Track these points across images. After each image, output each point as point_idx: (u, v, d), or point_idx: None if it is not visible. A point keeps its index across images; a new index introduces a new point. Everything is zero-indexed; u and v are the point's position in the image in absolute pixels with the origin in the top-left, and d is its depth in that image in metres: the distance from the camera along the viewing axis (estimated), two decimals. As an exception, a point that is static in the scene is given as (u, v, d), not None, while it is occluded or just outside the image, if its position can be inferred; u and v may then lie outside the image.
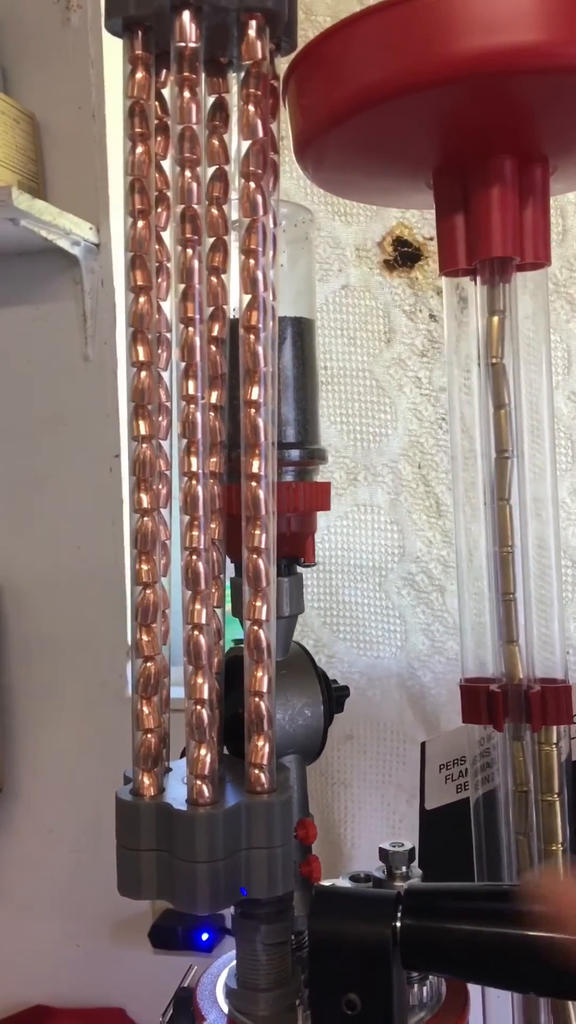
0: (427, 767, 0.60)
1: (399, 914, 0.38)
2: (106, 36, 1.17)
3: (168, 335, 0.47)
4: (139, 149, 0.44)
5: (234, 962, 0.52)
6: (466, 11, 0.39)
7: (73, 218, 1.12)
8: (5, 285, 1.19)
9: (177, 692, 0.48)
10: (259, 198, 0.43)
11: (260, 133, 0.43)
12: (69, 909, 1.24)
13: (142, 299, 0.44)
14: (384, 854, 0.49)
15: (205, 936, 1.18)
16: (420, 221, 1.09)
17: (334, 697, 0.54)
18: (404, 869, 0.48)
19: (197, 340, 0.43)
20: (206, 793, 0.44)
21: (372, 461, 1.10)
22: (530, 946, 0.36)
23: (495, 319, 0.47)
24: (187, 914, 1.18)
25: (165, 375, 0.47)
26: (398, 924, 0.37)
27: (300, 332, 0.53)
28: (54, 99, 1.17)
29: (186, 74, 0.42)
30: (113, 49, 1.19)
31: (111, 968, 1.24)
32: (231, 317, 0.49)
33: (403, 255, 1.11)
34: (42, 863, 1.25)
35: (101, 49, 1.18)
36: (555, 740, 0.47)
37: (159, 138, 0.46)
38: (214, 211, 0.47)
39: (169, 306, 0.46)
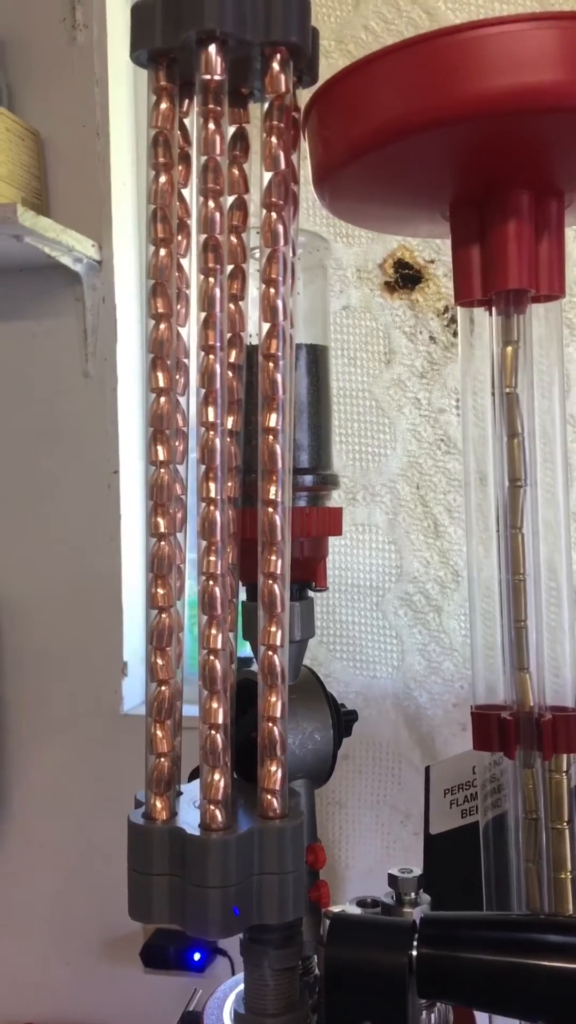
0: (432, 792, 0.60)
1: (415, 943, 0.38)
2: (111, 55, 1.19)
3: (186, 360, 0.47)
4: (162, 178, 0.45)
5: (241, 986, 0.52)
6: (486, 50, 0.40)
7: (76, 235, 1.13)
8: (7, 301, 1.20)
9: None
10: (280, 228, 0.44)
11: (283, 165, 0.44)
12: (59, 927, 1.23)
13: (163, 326, 0.45)
14: (393, 880, 0.49)
15: (197, 956, 1.17)
16: (421, 244, 1.10)
17: (343, 721, 0.55)
18: (413, 895, 0.49)
19: (217, 367, 0.43)
20: (219, 818, 0.44)
21: (371, 481, 1.11)
22: (549, 977, 0.36)
23: (509, 349, 0.48)
24: (180, 934, 1.18)
25: (182, 400, 0.47)
26: (414, 953, 0.37)
27: (315, 359, 0.53)
28: (59, 117, 1.18)
29: (211, 106, 0.43)
30: (118, 68, 1.20)
31: (101, 987, 1.23)
32: (248, 343, 0.49)
33: (404, 277, 1.12)
34: (33, 880, 1.24)
35: (106, 68, 1.19)
36: (565, 768, 0.48)
37: (180, 167, 0.47)
38: (233, 239, 0.47)
39: (187, 332, 0.47)
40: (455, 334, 1.13)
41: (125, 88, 1.23)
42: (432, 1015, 0.48)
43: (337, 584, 1.14)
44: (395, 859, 1.16)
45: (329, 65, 1.10)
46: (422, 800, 1.14)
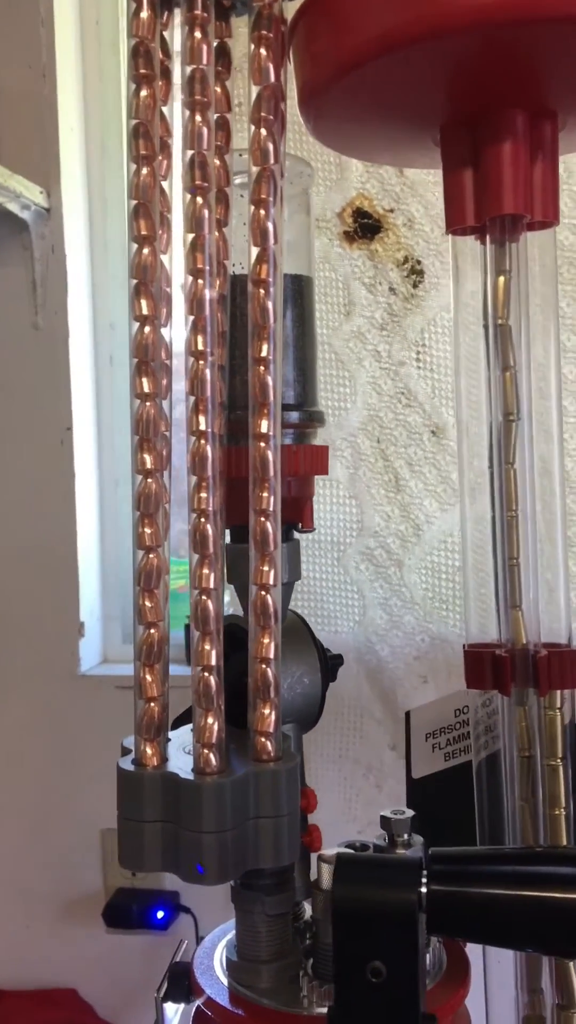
0: (413, 736, 0.59)
1: (424, 879, 0.37)
2: (57, -6, 1.14)
3: (168, 290, 0.45)
4: (144, 92, 0.42)
5: (229, 935, 0.51)
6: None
7: (23, 181, 1.09)
8: (-50, 250, 1.15)
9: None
10: (270, 146, 0.42)
11: (272, 78, 0.42)
12: (18, 889, 1.22)
13: (146, 250, 0.42)
14: (386, 822, 0.48)
15: (160, 914, 1.17)
16: (380, 192, 1.09)
17: (329, 665, 0.54)
18: (406, 836, 0.48)
19: (207, 293, 0.41)
20: (213, 762, 0.43)
21: (331, 435, 1.10)
22: (561, 908, 0.35)
23: (501, 279, 0.46)
24: (141, 893, 1.17)
25: (165, 332, 0.45)
26: (423, 889, 0.37)
27: (300, 290, 0.51)
28: (3, 59, 1.13)
29: (197, 12, 0.40)
30: (64, 8, 1.16)
31: (63, 948, 1.22)
32: (232, 273, 0.47)
33: (363, 227, 1.10)
34: (-10, 843, 1.22)
35: (52, 8, 1.14)
36: (559, 704, 0.47)
37: (161, 82, 0.44)
38: (216, 161, 0.45)
39: (168, 260, 0.44)
40: (415, 285, 1.11)
41: (71, 28, 1.19)
42: (427, 956, 0.47)
43: (311, 532, 1.13)
44: (357, 812, 1.17)
45: None
46: (384, 754, 1.14)
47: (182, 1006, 0.50)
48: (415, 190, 1.07)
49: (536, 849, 0.45)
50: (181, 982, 0.49)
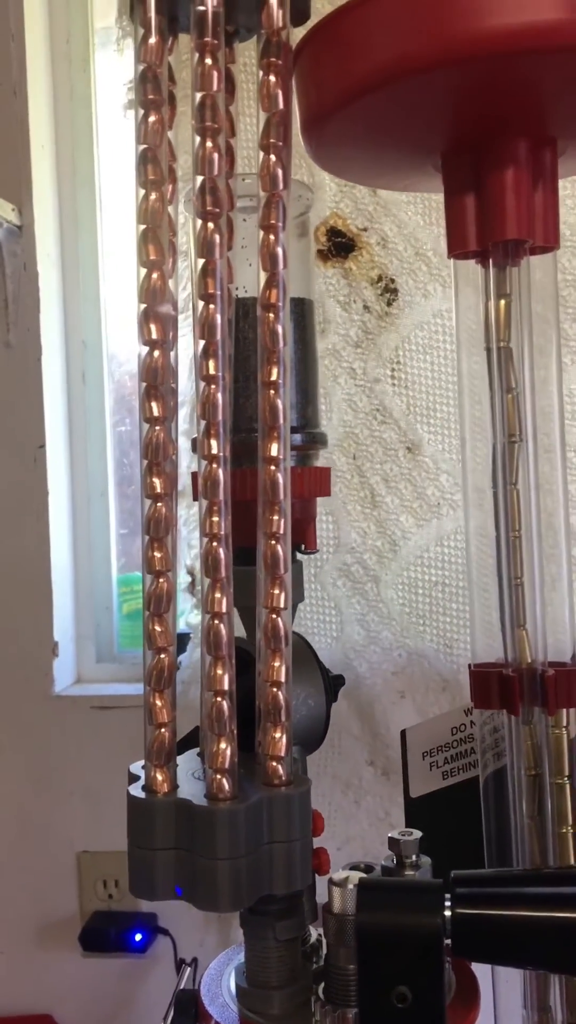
0: (409, 755, 0.59)
1: (448, 903, 0.37)
2: (27, 10, 1.14)
3: (174, 313, 0.45)
4: (152, 117, 0.42)
5: (239, 961, 0.51)
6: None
7: (-5, 198, 1.08)
8: None
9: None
10: (279, 172, 0.42)
11: (281, 104, 0.42)
12: (-10, 915, 1.20)
13: (155, 275, 0.42)
14: (395, 843, 0.48)
15: (138, 937, 1.16)
16: (354, 212, 1.09)
17: (332, 686, 0.54)
18: (414, 858, 0.48)
19: (218, 318, 0.41)
20: (226, 787, 0.43)
21: (308, 452, 1.10)
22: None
23: (503, 302, 0.47)
24: (119, 916, 1.16)
25: (172, 355, 0.45)
26: (448, 913, 0.37)
27: (302, 313, 0.52)
28: (-28, 74, 1.12)
29: (207, 39, 0.40)
30: (34, 23, 1.15)
31: (39, 974, 1.20)
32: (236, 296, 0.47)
33: (337, 245, 1.10)
34: (-37, 868, 1.20)
35: (22, 24, 1.14)
36: (565, 723, 0.48)
37: (167, 106, 0.44)
38: (219, 185, 0.45)
39: (174, 284, 0.44)
40: (389, 303, 1.12)
41: (42, 47, 1.18)
42: (437, 977, 0.47)
43: (315, 553, 1.13)
44: (336, 829, 1.16)
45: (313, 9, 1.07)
46: (362, 770, 1.14)
47: (188, 1034, 0.50)
48: (388, 209, 1.08)
49: (559, 869, 0.45)
50: (188, 1010, 0.48)
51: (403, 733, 0.62)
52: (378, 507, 1.11)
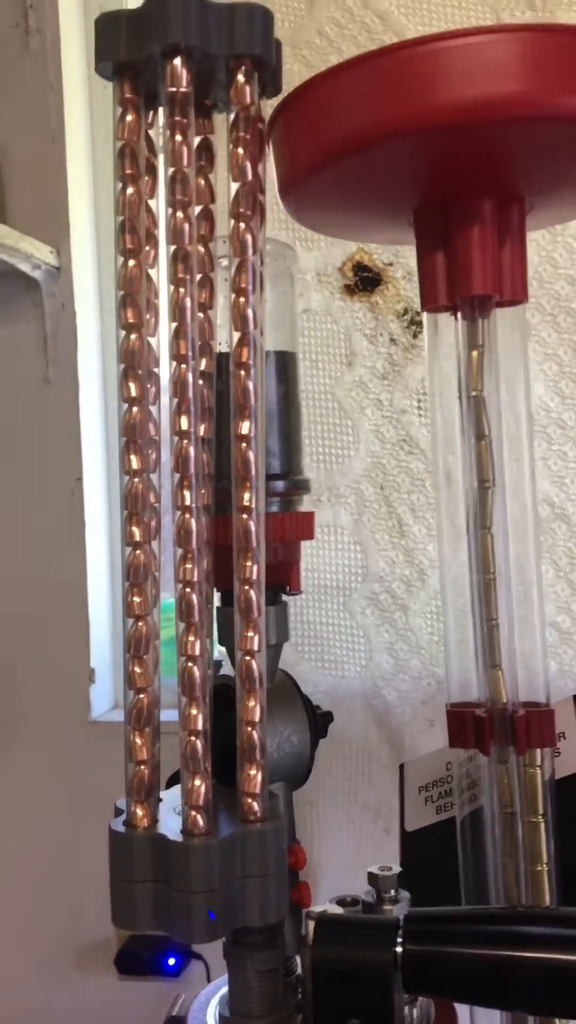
0: (406, 789, 0.61)
1: (400, 939, 0.38)
2: (66, 61, 1.19)
3: (156, 370, 0.47)
4: (130, 190, 0.45)
5: (223, 990, 0.52)
6: (448, 63, 0.41)
7: (34, 242, 1.12)
8: (-35, 309, 1.19)
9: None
10: (248, 238, 0.44)
11: (250, 176, 0.44)
12: (30, 938, 1.23)
13: (133, 336, 0.45)
14: (373, 878, 0.50)
15: (172, 961, 1.17)
16: (379, 247, 1.12)
17: (319, 723, 0.55)
18: (393, 892, 0.49)
19: (189, 377, 0.44)
20: (201, 823, 0.45)
21: (335, 482, 1.12)
22: (533, 968, 0.37)
23: (475, 353, 0.49)
24: (154, 939, 1.18)
25: (153, 409, 0.47)
26: (399, 949, 0.38)
27: (284, 366, 0.54)
28: (14, 123, 1.17)
29: (178, 118, 0.43)
30: (73, 74, 1.20)
31: (75, 996, 1.23)
32: (217, 351, 0.50)
33: (363, 280, 1.13)
34: (2, 892, 1.23)
35: (60, 74, 1.18)
36: (539, 762, 0.49)
37: (146, 178, 0.47)
38: (201, 249, 0.48)
39: (156, 342, 0.47)
40: (415, 336, 1.14)
41: (80, 94, 1.23)
42: (414, 1010, 0.49)
43: (304, 585, 1.15)
44: (367, 856, 1.17)
45: (284, 70, 1.11)
46: (392, 797, 1.15)
47: (178, 1060, 0.52)
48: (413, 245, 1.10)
49: (512, 909, 0.46)
50: (176, 1036, 0.50)
51: (401, 767, 0.63)
52: (406, 536, 1.12)
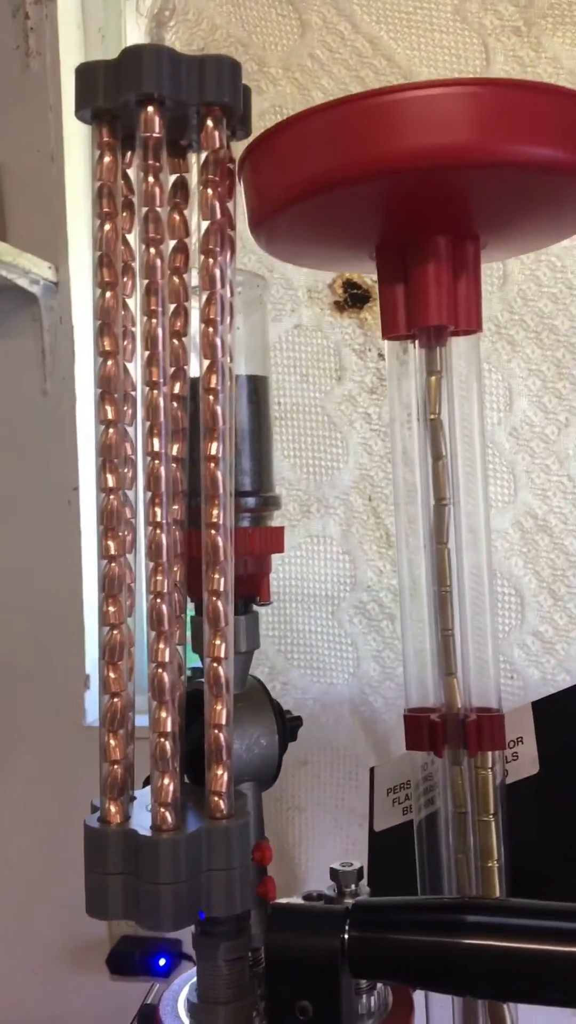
0: (376, 791, 0.64)
1: (347, 927, 0.41)
2: (64, 82, 1.22)
3: (133, 393, 0.50)
4: (107, 227, 0.48)
5: (195, 978, 0.55)
6: (404, 112, 0.44)
7: (32, 258, 1.15)
8: (-36, 323, 1.22)
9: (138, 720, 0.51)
10: (217, 272, 0.47)
11: (218, 215, 0.47)
12: (26, 938, 1.25)
13: (109, 363, 0.48)
14: (334, 873, 0.53)
15: (162, 961, 1.19)
16: (368, 265, 1.14)
17: (288, 727, 0.58)
18: (353, 887, 0.52)
19: (161, 401, 0.47)
20: (169, 820, 0.48)
21: (324, 493, 1.15)
22: (469, 954, 0.40)
23: (432, 379, 0.52)
24: (145, 940, 1.20)
25: (130, 430, 0.50)
26: (346, 936, 0.41)
27: (255, 389, 0.57)
28: (14, 143, 1.20)
29: (151, 162, 0.46)
30: (71, 94, 1.23)
31: (69, 995, 1.25)
32: (191, 376, 0.53)
33: (353, 296, 1.16)
34: (-2, 893, 1.26)
35: (60, 94, 1.21)
36: (490, 764, 0.52)
37: (124, 214, 0.50)
38: (176, 280, 0.51)
39: (134, 367, 0.50)
40: (403, 351, 1.16)
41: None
42: (372, 999, 0.51)
43: (293, 594, 1.18)
44: (352, 859, 1.19)
45: (277, 92, 1.14)
46: (379, 802, 1.17)
47: (151, 1045, 0.54)
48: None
49: (456, 899, 0.49)
50: (148, 1022, 0.53)
51: (371, 771, 0.66)
52: (393, 547, 1.15)
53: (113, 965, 1.19)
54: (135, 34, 1.25)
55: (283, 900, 0.51)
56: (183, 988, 0.56)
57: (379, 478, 1.16)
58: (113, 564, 0.49)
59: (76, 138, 1.25)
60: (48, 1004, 1.26)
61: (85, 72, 0.48)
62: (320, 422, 1.16)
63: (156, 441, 0.47)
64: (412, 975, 0.42)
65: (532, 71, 1.09)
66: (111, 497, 0.48)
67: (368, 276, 1.15)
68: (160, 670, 0.48)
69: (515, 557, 1.09)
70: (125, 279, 0.50)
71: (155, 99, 0.46)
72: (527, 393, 1.08)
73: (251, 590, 0.57)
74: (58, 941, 1.24)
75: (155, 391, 0.47)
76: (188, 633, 0.55)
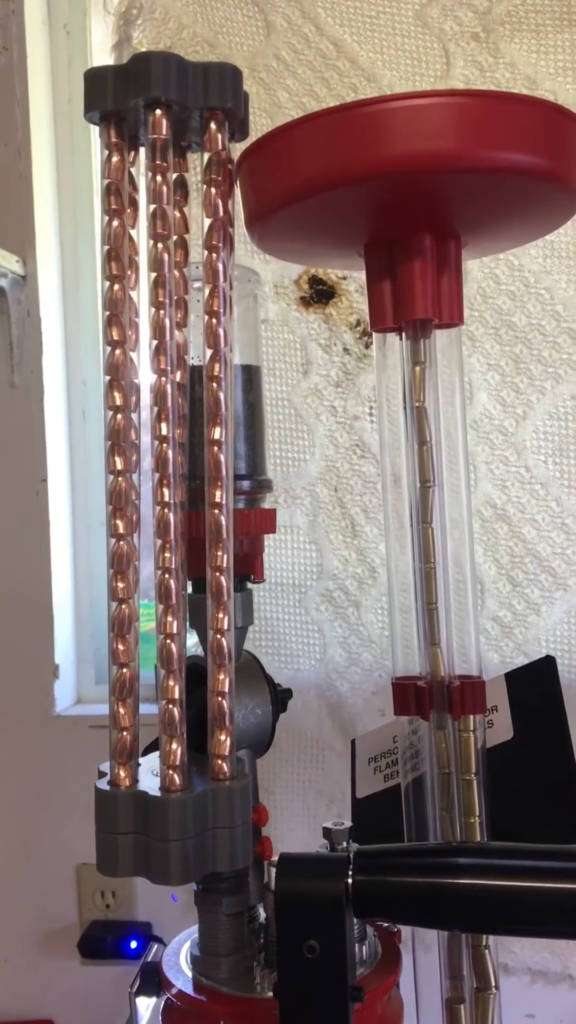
0: (357, 761, 0.67)
1: (351, 871, 0.45)
2: (31, 77, 1.23)
3: (137, 381, 0.53)
4: (115, 223, 0.51)
5: (194, 935, 0.58)
6: (393, 120, 0.48)
7: (1, 251, 1.16)
8: None
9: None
10: (220, 267, 0.51)
11: (221, 213, 0.51)
12: (-3, 926, 1.26)
13: (117, 351, 0.51)
14: (327, 832, 0.56)
15: (134, 944, 1.21)
16: (333, 262, 1.18)
17: (279, 698, 0.62)
18: (345, 844, 0.56)
19: (168, 388, 0.50)
20: (177, 781, 0.51)
21: (291, 484, 1.17)
22: (463, 892, 0.43)
23: (417, 368, 0.55)
24: (116, 924, 1.22)
25: (134, 416, 0.53)
26: (350, 880, 0.45)
27: (250, 378, 0.60)
28: (-20, 137, 1.21)
29: (158, 162, 0.49)
30: (38, 89, 1.24)
31: (40, 981, 1.26)
32: (190, 365, 0.56)
33: (318, 292, 1.19)
34: (-33, 881, 1.26)
35: (27, 89, 1.22)
36: (472, 728, 0.55)
37: (129, 211, 0.53)
38: (176, 274, 0.54)
39: (137, 356, 0.53)
40: (367, 346, 1.19)
41: (45, 109, 1.27)
42: (363, 947, 0.55)
43: (261, 583, 1.20)
44: (320, 840, 1.22)
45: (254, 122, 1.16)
46: (345, 785, 1.20)
47: (154, 1001, 0.57)
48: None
49: (447, 844, 0.53)
50: (152, 979, 0.56)
51: (353, 742, 0.70)
52: (358, 536, 1.18)
53: (84, 949, 1.20)
54: (100, 31, 1.27)
55: (277, 858, 0.54)
56: (183, 945, 0.59)
57: (344, 469, 1.19)
58: (122, 542, 0.51)
59: (43, 133, 1.26)
60: (21, 991, 1.27)
61: (94, 76, 0.51)
62: (287, 415, 1.19)
63: (164, 426, 0.50)
64: (411, 914, 0.46)
65: (490, 76, 1.13)
66: (119, 479, 0.51)
67: (333, 273, 1.18)
68: (169, 641, 0.51)
69: (475, 545, 1.12)
70: (129, 272, 0.52)
71: (162, 103, 0.49)
72: (486, 387, 1.12)
73: (246, 569, 0.61)
74: (29, 928, 1.25)
75: (163, 379, 0.50)
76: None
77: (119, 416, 0.51)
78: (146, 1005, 0.57)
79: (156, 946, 0.63)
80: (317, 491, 1.17)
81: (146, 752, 0.57)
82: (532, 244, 1.01)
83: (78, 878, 1.22)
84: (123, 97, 0.49)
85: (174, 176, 0.54)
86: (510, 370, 1.13)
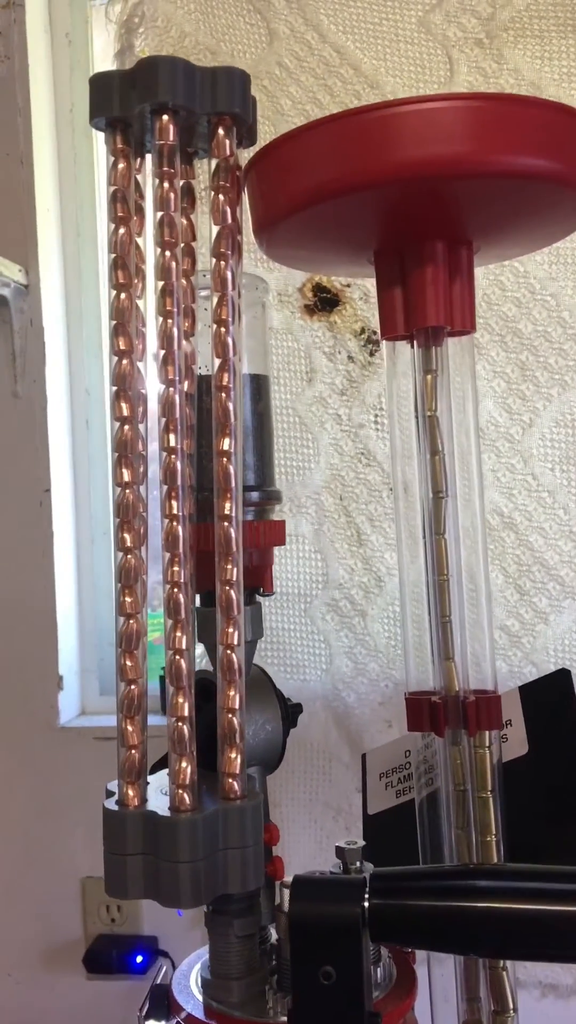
0: (368, 776, 0.66)
1: (367, 895, 0.44)
2: (33, 86, 1.23)
3: (143, 391, 0.52)
4: (121, 230, 0.50)
5: (204, 958, 0.57)
6: (404, 125, 0.47)
7: (2, 260, 1.16)
8: None
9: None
10: (229, 275, 0.50)
11: (229, 220, 0.50)
12: (0, 940, 1.25)
13: (124, 361, 0.50)
14: (340, 851, 0.55)
15: (140, 959, 1.20)
16: (338, 269, 1.17)
17: (290, 713, 0.60)
18: (358, 864, 0.54)
19: (176, 398, 0.49)
20: (187, 801, 0.50)
21: (296, 493, 1.17)
22: (481, 916, 0.42)
23: (429, 377, 0.54)
24: (122, 938, 1.21)
25: (141, 427, 0.52)
26: (366, 903, 0.43)
27: (259, 387, 0.59)
28: (-18, 147, 1.21)
29: (165, 168, 0.48)
30: (40, 98, 1.24)
31: (46, 996, 1.25)
32: (197, 374, 0.55)
33: (322, 300, 1.18)
34: (-30, 895, 1.25)
35: (28, 98, 1.22)
36: (488, 744, 0.54)
37: (135, 218, 0.52)
38: (183, 282, 0.53)
39: (143, 366, 0.52)
40: (371, 354, 1.19)
41: (47, 118, 1.27)
42: (378, 970, 0.54)
43: (272, 595, 1.19)
44: (329, 853, 1.21)
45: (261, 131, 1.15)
46: (352, 796, 1.19)
47: (163, 1024, 0.56)
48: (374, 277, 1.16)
49: (464, 866, 0.52)
50: (161, 1001, 0.55)
51: (363, 756, 0.68)
52: (364, 545, 1.17)
53: (90, 964, 1.19)
54: (102, 40, 1.26)
55: (290, 878, 0.53)
56: (193, 967, 0.58)
57: (349, 478, 1.18)
58: (129, 556, 0.50)
59: (45, 142, 1.26)
60: (25, 1006, 1.26)
61: (99, 82, 0.50)
62: (291, 423, 1.18)
63: (172, 437, 0.49)
64: (429, 938, 0.44)
65: (494, 82, 1.12)
66: (127, 491, 0.50)
67: (337, 280, 1.17)
68: (178, 657, 0.50)
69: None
70: (136, 281, 0.51)
71: (170, 108, 0.48)
72: (492, 394, 1.11)
73: (255, 582, 0.59)
74: (33, 942, 1.24)
75: (171, 389, 0.49)
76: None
77: (126, 427, 0.50)
78: (155, 1029, 0.56)
79: (164, 964, 0.62)
80: (322, 500, 1.16)
81: (154, 768, 0.56)
82: (538, 251, 1.00)
83: (83, 891, 1.21)
84: (129, 103, 0.49)
85: (181, 183, 0.53)
86: (516, 377, 1.12)
